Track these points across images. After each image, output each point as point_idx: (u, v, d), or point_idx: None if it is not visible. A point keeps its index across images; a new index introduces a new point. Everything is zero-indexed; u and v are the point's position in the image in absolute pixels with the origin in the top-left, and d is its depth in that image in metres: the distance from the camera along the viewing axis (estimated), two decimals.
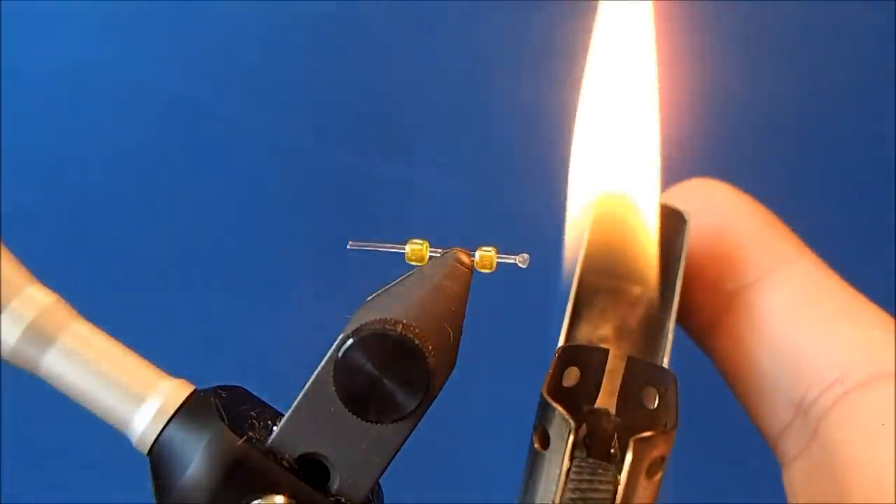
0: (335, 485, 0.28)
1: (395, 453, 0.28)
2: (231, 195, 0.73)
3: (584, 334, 0.32)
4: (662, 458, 0.27)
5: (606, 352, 0.30)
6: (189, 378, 0.29)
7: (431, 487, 0.67)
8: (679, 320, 0.33)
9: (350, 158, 0.71)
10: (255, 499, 0.27)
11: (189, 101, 0.71)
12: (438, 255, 0.30)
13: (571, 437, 0.27)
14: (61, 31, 0.72)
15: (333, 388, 0.27)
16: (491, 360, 0.69)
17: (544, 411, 0.28)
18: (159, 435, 0.28)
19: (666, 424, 0.27)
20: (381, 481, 0.29)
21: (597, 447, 0.28)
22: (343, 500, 0.28)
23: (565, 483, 0.26)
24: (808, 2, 0.70)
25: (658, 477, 0.27)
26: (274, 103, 0.72)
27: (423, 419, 0.28)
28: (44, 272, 0.29)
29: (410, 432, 0.28)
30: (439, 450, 0.66)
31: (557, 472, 0.27)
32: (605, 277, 0.32)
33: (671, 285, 0.31)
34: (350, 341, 0.26)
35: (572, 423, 0.27)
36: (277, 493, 0.27)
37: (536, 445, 0.28)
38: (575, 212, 0.32)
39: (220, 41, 0.72)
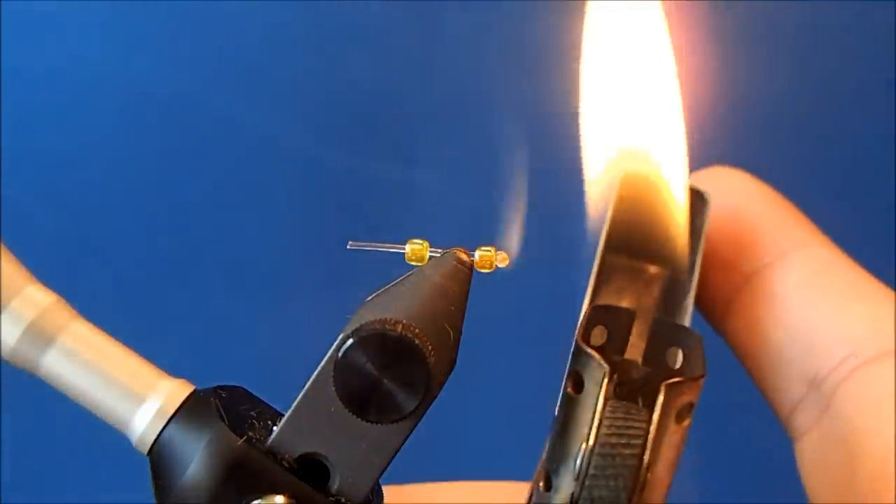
0: (335, 485, 0.28)
1: (395, 453, 0.28)
2: (231, 195, 0.73)
3: None
4: (691, 405, 0.28)
5: (633, 313, 0.31)
6: (189, 378, 0.29)
7: None
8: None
9: (350, 158, 0.71)
10: (255, 499, 0.27)
11: (189, 100, 0.71)
12: (438, 255, 0.30)
13: (606, 379, 0.28)
14: (61, 31, 0.72)
15: (333, 388, 0.27)
16: (491, 360, 0.69)
17: (578, 358, 0.29)
18: (159, 435, 0.28)
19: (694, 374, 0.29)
20: (380, 481, 0.29)
21: (626, 395, 0.28)
22: (343, 500, 0.28)
23: (600, 423, 0.27)
24: (813, 1, 0.70)
25: (687, 423, 0.28)
26: (274, 103, 0.72)
27: (422, 419, 0.28)
28: (44, 272, 0.29)
29: (410, 432, 0.28)
30: (439, 450, 0.66)
31: (591, 414, 0.28)
32: (624, 256, 0.33)
33: (690, 265, 0.32)
34: (350, 341, 0.26)
35: (607, 366, 0.28)
36: (277, 493, 0.27)
37: (570, 391, 0.29)
38: (596, 178, 0.33)
39: (220, 41, 0.72)
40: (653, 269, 0.33)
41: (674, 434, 0.28)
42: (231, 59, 0.72)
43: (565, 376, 0.29)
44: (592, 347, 0.30)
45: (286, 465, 0.27)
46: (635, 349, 0.31)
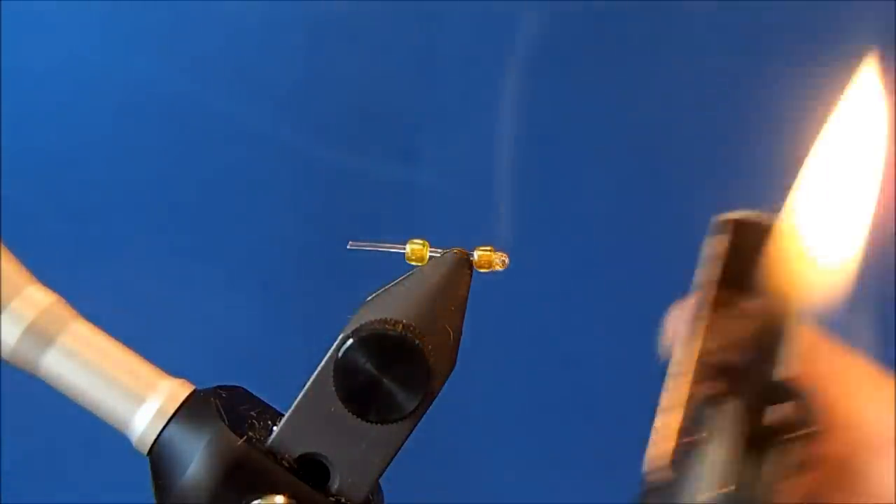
0: (335, 485, 0.28)
1: (395, 453, 0.28)
2: (231, 195, 0.74)
3: None
4: (805, 461, 0.28)
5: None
6: (189, 378, 0.29)
7: (431, 487, 0.67)
8: None
9: (350, 158, 0.71)
10: (255, 499, 0.27)
11: (189, 101, 0.71)
12: (438, 255, 0.30)
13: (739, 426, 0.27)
14: (61, 31, 0.72)
15: (333, 388, 0.27)
16: (491, 359, 0.69)
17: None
18: (159, 435, 0.28)
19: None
20: (380, 481, 0.29)
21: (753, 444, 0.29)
22: (343, 500, 0.28)
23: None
24: None
25: (806, 476, 0.28)
26: (274, 103, 0.72)
27: (422, 419, 0.28)
28: (44, 272, 0.29)
29: (410, 432, 0.28)
30: (439, 450, 0.66)
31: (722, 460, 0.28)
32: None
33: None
34: (350, 341, 0.27)
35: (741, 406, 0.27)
36: (277, 493, 0.27)
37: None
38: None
39: (220, 41, 0.72)
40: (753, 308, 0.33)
41: (792, 487, 0.28)
42: (231, 59, 0.72)
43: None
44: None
45: (286, 465, 0.27)
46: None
